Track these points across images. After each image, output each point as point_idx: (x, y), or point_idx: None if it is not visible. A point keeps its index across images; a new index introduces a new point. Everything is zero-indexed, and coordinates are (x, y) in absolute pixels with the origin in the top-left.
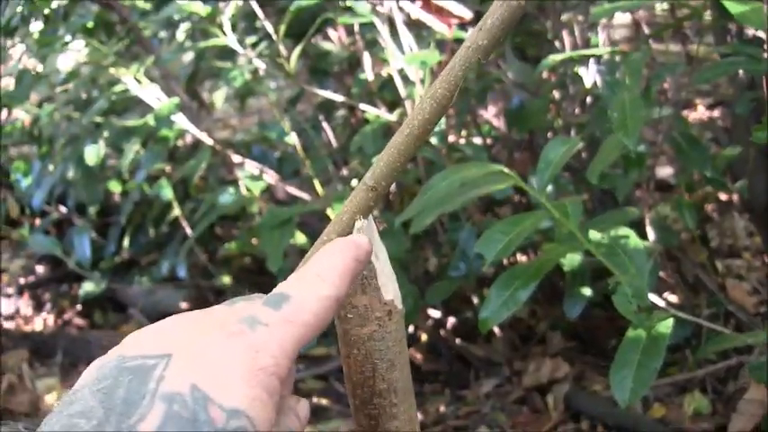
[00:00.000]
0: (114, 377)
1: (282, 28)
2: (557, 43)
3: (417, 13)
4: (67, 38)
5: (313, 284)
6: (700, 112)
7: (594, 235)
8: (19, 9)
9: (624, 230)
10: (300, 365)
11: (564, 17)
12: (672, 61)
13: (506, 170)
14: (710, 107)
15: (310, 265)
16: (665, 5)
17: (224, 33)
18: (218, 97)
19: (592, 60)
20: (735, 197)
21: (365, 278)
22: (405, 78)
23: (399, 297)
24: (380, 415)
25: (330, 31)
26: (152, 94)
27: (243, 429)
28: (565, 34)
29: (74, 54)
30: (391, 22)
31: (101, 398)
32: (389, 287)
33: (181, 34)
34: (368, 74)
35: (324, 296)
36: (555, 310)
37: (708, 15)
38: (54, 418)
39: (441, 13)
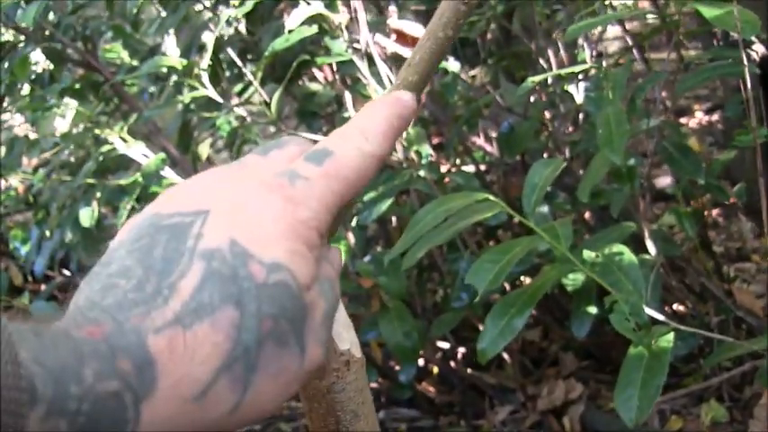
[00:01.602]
0: (151, 235)
1: (260, 74)
2: (543, 63)
3: (393, 46)
4: (54, 101)
5: (356, 141)
6: (698, 118)
7: (588, 254)
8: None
9: (618, 247)
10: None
11: (554, 35)
12: (669, 69)
13: (492, 198)
14: (708, 111)
15: (354, 122)
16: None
17: (203, 85)
18: (204, 148)
19: (581, 77)
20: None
21: None
22: None
23: (357, 345)
24: None
25: (316, 72)
26: (138, 152)
27: (283, 282)
28: (551, 53)
29: (68, 115)
30: (371, 58)
31: (138, 257)
32: (345, 336)
33: (169, 88)
34: (351, 112)
35: (367, 153)
36: (566, 330)
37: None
38: (93, 279)
39: (416, 45)
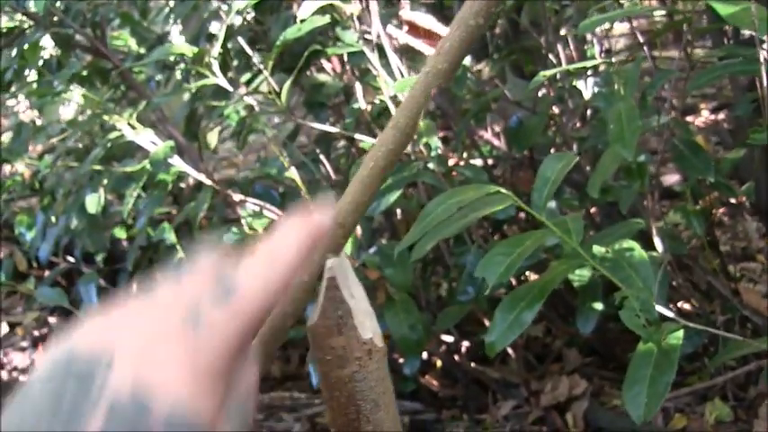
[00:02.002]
0: (62, 380)
1: (270, 63)
2: (552, 58)
3: (405, 38)
4: (62, 87)
5: (262, 271)
6: (704, 117)
7: (598, 250)
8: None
9: (628, 243)
10: (317, 399)
11: (562, 31)
12: (677, 67)
13: (503, 190)
14: (715, 110)
15: (264, 248)
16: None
17: (213, 73)
18: (212, 137)
19: (590, 72)
20: (745, 200)
21: (341, 318)
22: (399, 105)
23: (380, 334)
24: None
25: (325, 63)
26: (147, 139)
27: (184, 423)
28: (560, 48)
29: (73, 103)
30: (381, 49)
31: (49, 400)
32: (367, 325)
33: (177, 76)
34: (361, 103)
35: (272, 282)
36: (570, 326)
37: (705, 19)
38: (12, 411)
39: (429, 36)
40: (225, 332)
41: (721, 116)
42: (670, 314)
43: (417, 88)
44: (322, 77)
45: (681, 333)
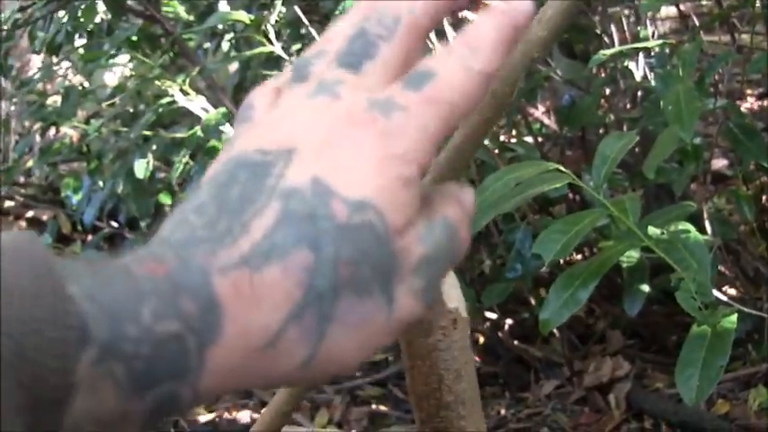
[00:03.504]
0: (231, 173)
1: None
2: (605, 38)
3: (464, 12)
4: (112, 52)
5: (462, 57)
6: (750, 102)
7: (654, 231)
8: (64, 20)
9: (684, 225)
10: (357, 372)
11: (611, 11)
12: (720, 52)
13: (562, 168)
14: (761, 97)
15: (461, 35)
16: None
17: (269, 41)
18: None
19: (641, 54)
20: None
21: None
22: None
23: (464, 304)
24: (448, 428)
25: None
26: (199, 105)
27: (368, 223)
28: (613, 29)
29: (119, 69)
30: None
31: (215, 193)
32: (453, 294)
33: (226, 44)
34: None
35: (475, 70)
36: (613, 308)
37: (758, 3)
38: (173, 215)
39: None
40: (421, 117)
41: (767, 103)
42: (724, 297)
43: (515, 55)
44: None
45: (735, 317)
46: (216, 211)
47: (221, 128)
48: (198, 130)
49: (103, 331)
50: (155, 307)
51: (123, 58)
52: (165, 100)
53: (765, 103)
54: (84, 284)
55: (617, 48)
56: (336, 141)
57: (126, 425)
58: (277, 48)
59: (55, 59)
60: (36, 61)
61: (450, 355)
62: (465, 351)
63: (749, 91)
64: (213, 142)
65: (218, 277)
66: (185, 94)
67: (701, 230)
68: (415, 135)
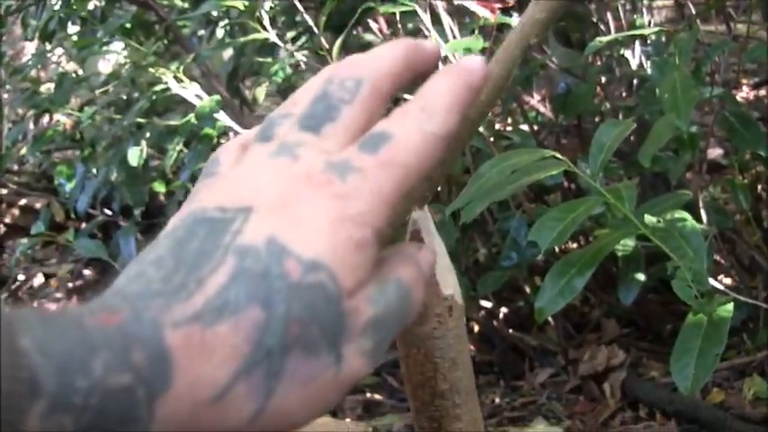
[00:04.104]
0: (189, 228)
1: (322, 19)
2: (601, 26)
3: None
4: (106, 39)
5: (417, 120)
6: (745, 92)
7: (650, 219)
8: (57, 7)
9: (680, 213)
10: None
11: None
12: (716, 41)
13: (558, 155)
14: (756, 86)
15: (415, 98)
16: None
17: (264, 28)
18: (260, 92)
19: (637, 42)
20: None
21: None
22: None
23: (459, 292)
24: (443, 417)
25: (371, 23)
26: (193, 93)
27: (320, 284)
28: (609, 17)
29: (113, 56)
30: (433, 10)
31: (173, 247)
32: (449, 281)
33: (220, 31)
34: None
35: (429, 133)
36: (609, 296)
37: None
38: (131, 265)
39: None
40: (376, 180)
41: (762, 92)
42: (720, 286)
43: (513, 38)
44: (368, 37)
45: (731, 306)
46: (173, 266)
47: (215, 115)
48: (192, 117)
49: (53, 384)
50: (106, 359)
51: (117, 45)
52: (158, 87)
53: (761, 92)
54: (36, 336)
55: (613, 35)
56: (293, 201)
57: None
58: (272, 34)
59: (48, 46)
60: (30, 48)
61: (446, 343)
62: (461, 339)
63: (744, 80)
64: (207, 130)
65: (170, 330)
66: (179, 81)
67: (697, 219)
68: (369, 198)
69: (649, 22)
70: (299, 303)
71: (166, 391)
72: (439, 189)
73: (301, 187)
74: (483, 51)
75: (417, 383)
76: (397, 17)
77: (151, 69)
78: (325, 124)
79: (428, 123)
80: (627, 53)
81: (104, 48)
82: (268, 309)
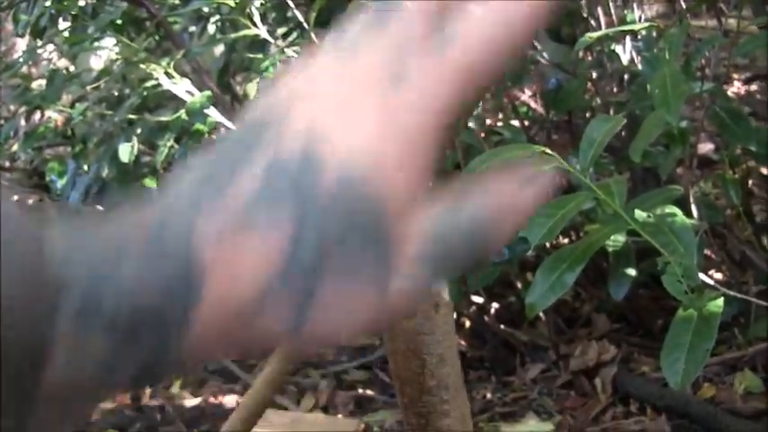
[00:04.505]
0: (241, 128)
1: (313, 15)
2: (592, 21)
3: None
4: (97, 35)
5: (488, 21)
6: (737, 87)
7: (640, 214)
8: (48, 3)
9: (670, 209)
10: (343, 356)
11: None
12: (707, 36)
13: (548, 151)
14: (747, 81)
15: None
16: None
17: (254, 24)
18: (251, 89)
19: (628, 37)
20: None
21: None
22: None
23: (446, 289)
24: (430, 413)
25: None
26: (184, 89)
27: (365, 194)
28: (600, 12)
29: (104, 52)
30: None
31: (219, 150)
32: None
33: (211, 27)
34: None
35: (495, 35)
36: (599, 292)
37: None
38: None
39: None
40: (435, 88)
41: (754, 87)
42: (710, 281)
43: None
44: None
45: (721, 301)
46: (213, 168)
47: (206, 111)
48: (182, 113)
49: (84, 287)
50: (137, 264)
51: (108, 41)
52: (149, 83)
53: (752, 87)
54: (66, 241)
55: (603, 31)
56: (346, 102)
57: (109, 387)
58: (262, 31)
59: (39, 43)
60: (21, 45)
61: (433, 339)
62: (448, 335)
63: (735, 75)
64: (198, 125)
65: (200, 240)
66: (170, 77)
67: (688, 214)
68: (425, 108)
69: (640, 18)
70: (339, 215)
71: (200, 299)
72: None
73: (357, 90)
74: None
75: (405, 380)
76: None
77: (142, 65)
78: (389, 18)
79: (499, 26)
80: (618, 48)
81: (95, 44)
82: (303, 219)
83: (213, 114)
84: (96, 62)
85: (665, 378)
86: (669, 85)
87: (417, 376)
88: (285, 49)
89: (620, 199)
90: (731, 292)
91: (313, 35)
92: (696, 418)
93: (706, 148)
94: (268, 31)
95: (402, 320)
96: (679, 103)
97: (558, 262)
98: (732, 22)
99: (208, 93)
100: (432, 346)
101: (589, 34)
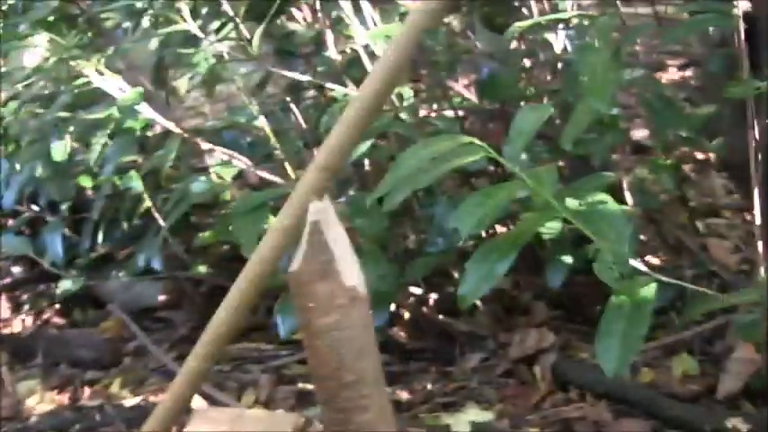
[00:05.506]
0: None
1: (241, 9)
2: (524, 10)
3: None
4: (28, 32)
5: None
6: (671, 73)
7: (571, 202)
8: None
9: (601, 196)
10: (284, 351)
11: None
12: (639, 24)
13: (477, 142)
14: (682, 67)
15: None
16: None
17: (183, 19)
18: (182, 84)
19: (561, 26)
20: (711, 156)
21: (324, 264)
22: (371, 55)
23: (363, 282)
24: (350, 409)
25: (295, 12)
26: (115, 86)
27: None
28: (532, 2)
29: (38, 50)
30: None
31: None
32: (353, 272)
33: (145, 23)
34: (332, 52)
35: None
36: (537, 279)
37: None
38: None
39: None
40: None
41: (688, 73)
42: (643, 268)
43: (409, 26)
44: (293, 26)
45: (654, 286)
46: None
47: (137, 108)
48: (114, 110)
49: None
50: None
51: (40, 38)
52: (80, 81)
53: (687, 73)
54: None
55: (535, 19)
56: None
57: None
58: (192, 26)
59: None
60: None
61: (351, 334)
62: (366, 330)
63: (672, 62)
64: (129, 123)
65: None
66: (101, 74)
67: (622, 201)
68: None
69: (572, 6)
70: None
71: None
72: (366, 176)
73: None
74: None
75: (323, 376)
76: (318, 6)
77: (72, 63)
78: None
79: None
80: (550, 37)
81: (27, 41)
82: None
83: (145, 111)
84: (29, 60)
85: (600, 365)
86: (599, 72)
87: (335, 372)
88: (216, 44)
89: (550, 187)
90: (664, 278)
91: (243, 28)
92: (635, 403)
93: (640, 134)
94: (200, 26)
95: (317, 317)
96: (608, 90)
97: (489, 252)
98: (669, 9)
99: (139, 89)
100: (349, 341)
101: (519, 23)
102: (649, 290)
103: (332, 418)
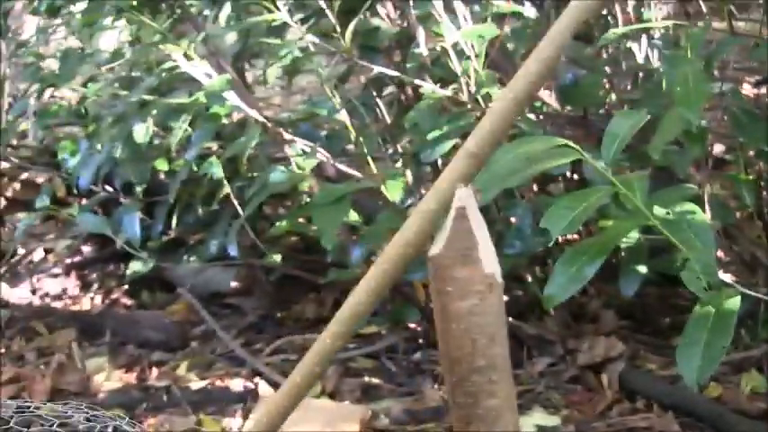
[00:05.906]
0: None
1: (336, 2)
2: (609, 19)
3: None
4: (112, 16)
5: None
6: (746, 90)
7: (660, 210)
8: None
9: (689, 206)
10: (350, 344)
11: None
12: (716, 38)
13: (572, 144)
14: (757, 84)
15: None
16: None
17: (276, 8)
18: (271, 73)
19: (644, 36)
20: None
21: (467, 249)
22: (460, 53)
23: (499, 270)
24: (478, 393)
25: (378, 8)
26: (202, 71)
27: None
28: (617, 9)
29: (117, 33)
30: None
31: None
32: (490, 260)
33: (227, 11)
34: (422, 48)
35: None
36: (608, 287)
37: None
38: None
39: None
40: None
41: (763, 90)
42: (728, 279)
43: (564, 20)
44: (375, 22)
45: (738, 299)
46: None
47: (224, 94)
48: (200, 96)
49: None
50: None
51: (119, 22)
52: (167, 65)
53: (762, 90)
54: None
55: (626, 28)
56: None
57: None
58: (284, 15)
59: (54, 22)
60: (30, 23)
61: (486, 320)
62: (499, 316)
63: (746, 78)
64: (215, 109)
65: None
66: (189, 59)
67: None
68: None
69: (656, 17)
70: None
71: None
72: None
73: None
74: (496, 38)
75: (455, 359)
76: (410, 2)
77: (160, 47)
78: None
79: None
80: (633, 46)
81: (112, 24)
82: None
83: (231, 98)
84: (105, 43)
85: (680, 374)
86: (691, 83)
87: (467, 356)
88: (305, 36)
89: (641, 195)
90: (746, 291)
91: (335, 21)
92: (703, 417)
93: (718, 149)
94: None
95: (455, 301)
96: (700, 102)
97: (578, 255)
98: (741, 24)
99: (227, 76)
100: (483, 326)
101: (613, 30)
102: (734, 302)
103: (460, 402)
